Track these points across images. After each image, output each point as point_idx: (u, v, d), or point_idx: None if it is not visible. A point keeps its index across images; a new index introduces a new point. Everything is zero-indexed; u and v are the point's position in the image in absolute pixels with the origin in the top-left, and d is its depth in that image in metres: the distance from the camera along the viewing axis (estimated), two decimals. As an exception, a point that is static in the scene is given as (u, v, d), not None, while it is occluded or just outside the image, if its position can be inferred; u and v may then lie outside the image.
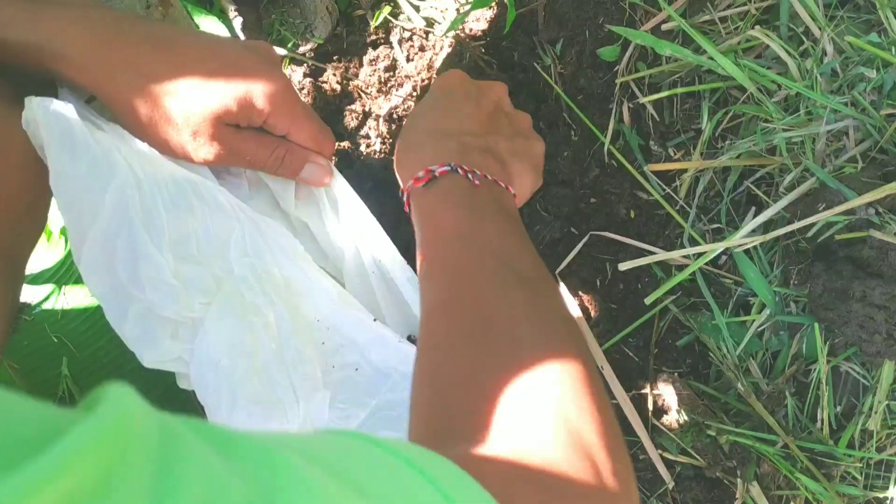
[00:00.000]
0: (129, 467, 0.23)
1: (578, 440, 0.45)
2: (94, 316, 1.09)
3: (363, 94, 1.11)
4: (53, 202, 0.67)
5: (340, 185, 0.75)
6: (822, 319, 0.77)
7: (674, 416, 0.84)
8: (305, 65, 1.14)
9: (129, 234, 0.62)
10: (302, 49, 1.14)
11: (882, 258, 0.73)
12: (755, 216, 0.82)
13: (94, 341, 1.09)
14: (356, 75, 1.13)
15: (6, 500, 0.19)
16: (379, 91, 1.10)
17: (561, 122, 0.98)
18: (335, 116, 1.11)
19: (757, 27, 0.84)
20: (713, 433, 0.80)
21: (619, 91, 0.94)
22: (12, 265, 0.67)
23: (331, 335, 0.71)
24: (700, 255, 0.83)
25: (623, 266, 0.85)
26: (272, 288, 0.69)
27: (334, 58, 1.15)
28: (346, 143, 1.08)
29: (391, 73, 1.11)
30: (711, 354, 0.84)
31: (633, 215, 0.92)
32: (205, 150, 0.66)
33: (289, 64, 1.15)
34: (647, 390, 0.86)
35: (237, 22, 1.14)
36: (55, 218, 1.07)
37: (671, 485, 0.82)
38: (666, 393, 0.85)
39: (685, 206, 0.89)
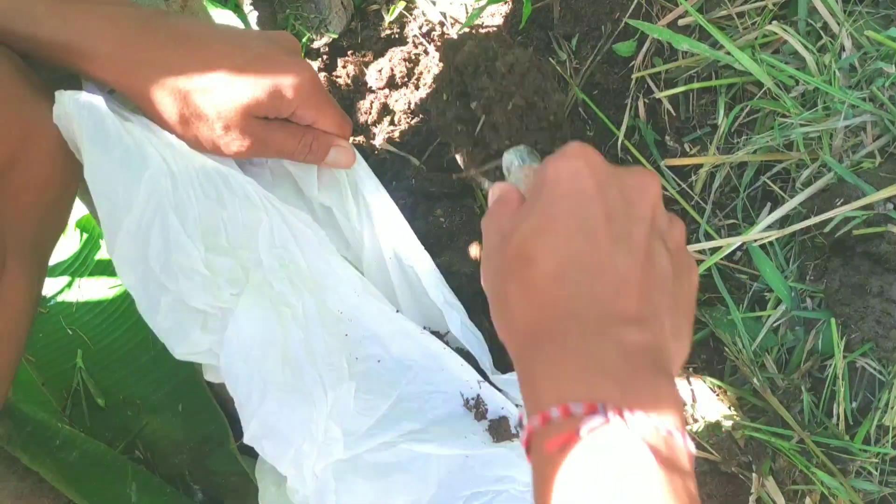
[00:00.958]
0: None
1: None
2: (108, 309, 1.10)
3: (378, 89, 1.11)
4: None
5: (362, 170, 0.76)
6: (838, 315, 0.77)
7: (689, 412, 0.84)
8: (320, 59, 1.15)
9: (162, 224, 0.63)
10: (316, 44, 1.14)
11: (900, 254, 0.73)
12: (771, 212, 0.82)
13: (108, 334, 1.09)
14: (370, 69, 1.13)
15: None
16: (394, 86, 1.10)
17: (576, 117, 0.98)
18: (349, 111, 1.12)
19: (774, 22, 0.84)
20: (728, 428, 0.80)
21: (634, 86, 0.94)
22: (38, 256, 0.68)
23: (353, 327, 0.72)
24: (716, 250, 0.83)
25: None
26: (299, 279, 0.70)
27: (349, 52, 1.15)
28: (360, 138, 1.08)
29: (406, 68, 1.11)
30: (727, 349, 0.83)
31: (648, 210, 0.92)
32: (236, 143, 0.67)
33: (303, 58, 1.16)
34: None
35: (252, 16, 1.15)
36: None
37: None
38: (681, 387, 0.85)
39: (701, 201, 0.89)
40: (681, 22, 0.90)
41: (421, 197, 0.98)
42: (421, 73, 1.11)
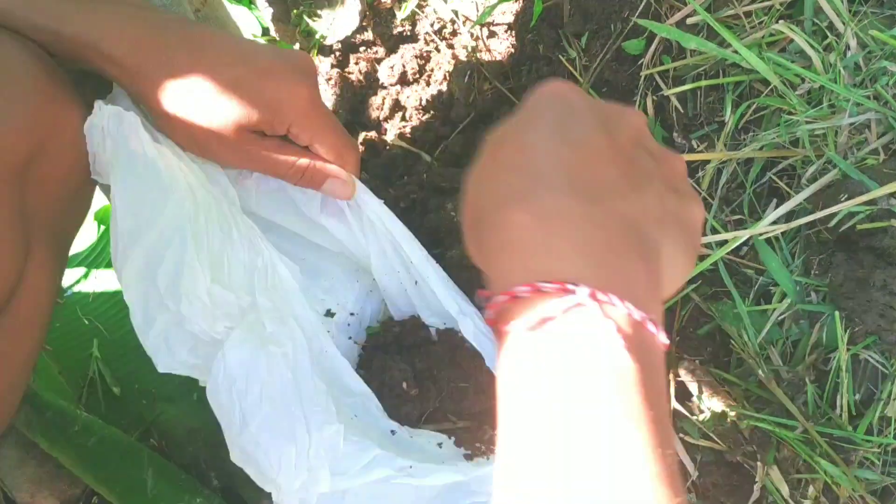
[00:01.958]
0: None
1: None
2: (124, 299, 1.12)
3: (390, 86, 1.13)
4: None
5: (364, 195, 0.77)
6: (842, 308, 0.78)
7: (695, 403, 0.86)
8: (332, 56, 1.16)
9: (179, 246, 0.65)
10: (329, 41, 1.16)
11: (903, 248, 0.75)
12: (777, 207, 0.84)
13: (124, 324, 1.11)
14: (382, 66, 1.15)
15: None
16: (406, 82, 1.12)
17: (585, 114, 1.00)
18: (361, 107, 1.14)
19: (781, 21, 0.86)
20: (734, 418, 0.82)
21: (643, 84, 0.96)
22: (60, 245, 0.70)
23: (336, 375, 0.75)
24: (722, 244, 0.85)
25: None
26: (293, 320, 0.72)
27: (361, 49, 1.17)
28: (372, 133, 1.10)
29: (417, 65, 1.13)
30: (733, 342, 0.85)
31: (655, 206, 0.94)
32: (228, 153, 0.68)
33: (316, 55, 1.18)
34: (668, 377, 0.88)
35: (266, 13, 1.17)
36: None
37: (695, 475, 0.84)
38: (687, 380, 0.86)
39: (708, 197, 0.91)
40: (689, 21, 0.92)
41: (432, 191, 1.00)
42: (432, 70, 1.13)
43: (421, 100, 1.10)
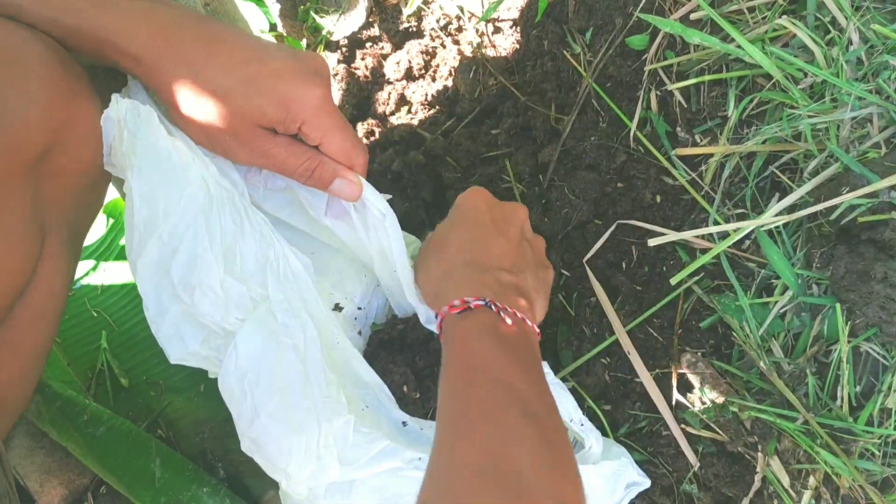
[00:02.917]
0: None
1: None
2: (132, 292, 1.13)
3: (396, 81, 1.14)
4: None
5: (371, 196, 0.77)
6: (843, 300, 0.79)
7: (696, 394, 0.87)
8: (339, 51, 1.17)
9: (193, 239, 0.66)
10: (336, 36, 1.17)
11: (904, 241, 0.75)
12: (779, 201, 0.84)
13: (132, 316, 1.12)
14: (389, 62, 1.15)
15: None
16: (411, 77, 1.13)
17: (589, 109, 1.01)
18: (368, 101, 1.15)
19: (784, 17, 0.87)
20: (735, 409, 0.82)
21: (647, 79, 0.96)
22: (74, 238, 0.71)
23: (347, 366, 0.75)
24: (724, 237, 0.86)
25: (652, 242, 0.88)
26: (304, 312, 0.73)
27: (368, 45, 1.18)
28: (378, 128, 1.11)
29: (423, 61, 1.14)
30: (735, 335, 0.86)
31: (658, 200, 0.95)
32: (240, 149, 0.69)
33: (323, 50, 1.19)
34: (670, 369, 0.89)
35: (274, 9, 1.17)
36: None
37: (697, 465, 0.85)
38: (689, 371, 0.87)
39: (710, 191, 0.92)
40: (693, 16, 0.93)
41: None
42: (438, 65, 1.14)
43: (426, 95, 1.11)
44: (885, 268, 0.76)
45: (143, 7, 0.65)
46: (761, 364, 0.82)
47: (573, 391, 0.90)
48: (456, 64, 1.11)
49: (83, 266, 1.14)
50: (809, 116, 0.83)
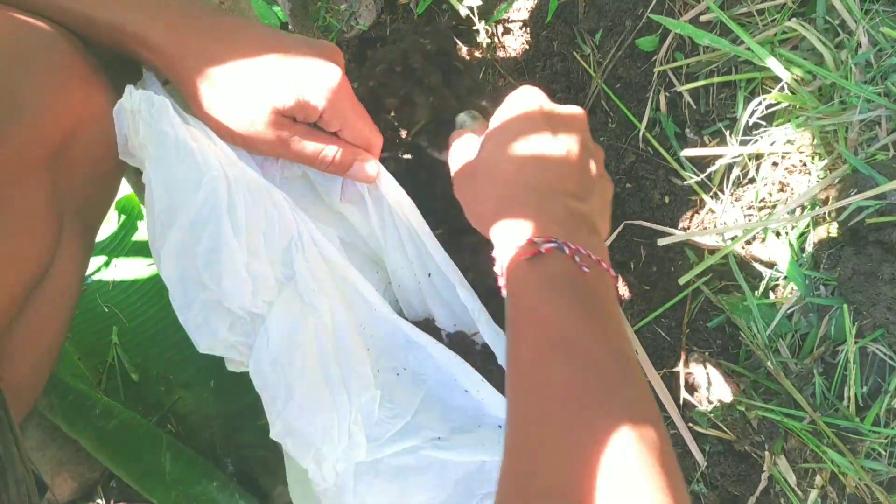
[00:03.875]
0: None
1: None
2: (143, 287, 1.14)
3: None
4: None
5: (385, 180, 0.78)
6: (851, 301, 0.80)
7: (704, 394, 0.87)
8: (350, 51, 1.18)
9: (216, 224, 0.66)
10: (346, 35, 1.18)
11: (911, 242, 0.76)
12: (787, 202, 0.85)
13: (143, 312, 1.13)
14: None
15: None
16: (421, 77, 1.14)
17: (599, 110, 1.01)
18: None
19: (793, 19, 0.87)
20: (742, 408, 0.83)
21: (656, 80, 0.97)
22: (87, 230, 0.71)
23: (374, 342, 0.75)
24: (733, 238, 0.86)
25: (662, 241, 0.88)
26: (330, 291, 0.73)
27: (378, 45, 1.18)
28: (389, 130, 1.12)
29: (433, 60, 1.14)
30: (742, 334, 0.86)
31: (667, 200, 0.95)
32: (259, 139, 0.69)
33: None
34: (678, 368, 0.89)
35: (285, 7, 1.18)
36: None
37: (704, 464, 0.85)
38: (697, 371, 0.88)
39: (718, 191, 0.92)
40: (702, 18, 0.93)
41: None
42: (448, 65, 1.14)
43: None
44: (893, 269, 0.77)
45: (158, 0, 0.66)
46: (768, 364, 0.83)
47: (581, 389, 0.91)
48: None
49: (95, 262, 1.15)
50: (818, 118, 0.83)
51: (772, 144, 0.87)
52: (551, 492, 0.46)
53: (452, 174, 0.75)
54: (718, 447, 0.86)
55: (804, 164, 0.88)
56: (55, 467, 1.00)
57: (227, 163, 0.69)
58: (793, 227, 0.85)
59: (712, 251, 0.89)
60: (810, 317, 0.85)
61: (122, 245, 1.16)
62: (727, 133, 0.92)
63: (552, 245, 0.58)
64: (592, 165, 0.68)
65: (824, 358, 0.83)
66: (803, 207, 0.85)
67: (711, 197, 0.92)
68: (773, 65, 0.85)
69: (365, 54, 1.18)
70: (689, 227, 0.92)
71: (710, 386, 0.87)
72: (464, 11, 1.12)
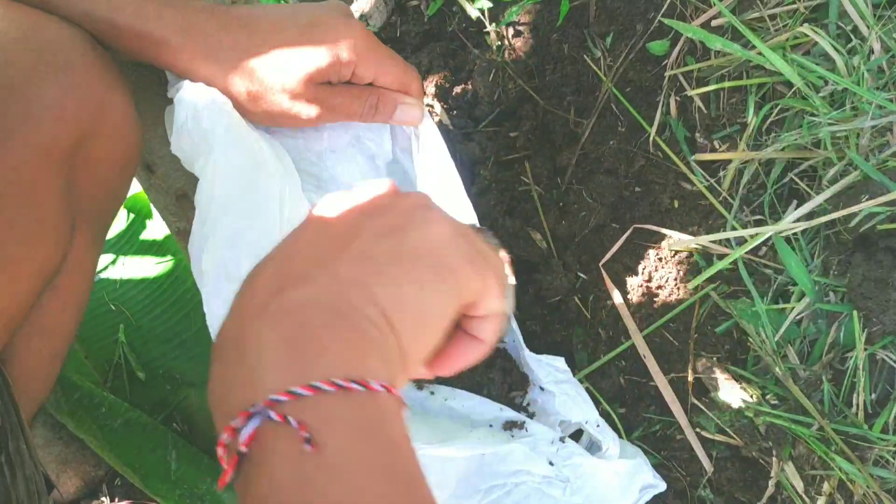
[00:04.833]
0: None
1: None
2: (150, 286, 1.14)
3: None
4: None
5: (428, 128, 0.78)
6: (860, 308, 0.79)
7: (712, 399, 0.87)
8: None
9: (267, 218, 0.67)
10: (357, 37, 1.18)
11: (922, 249, 0.76)
12: (797, 208, 0.85)
13: (150, 310, 1.14)
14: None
15: None
16: (431, 79, 1.14)
17: (609, 114, 1.01)
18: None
19: (805, 24, 0.87)
20: (750, 414, 0.83)
21: (667, 84, 0.97)
22: (99, 228, 0.72)
23: None
24: (742, 243, 0.86)
25: (673, 246, 0.88)
26: None
27: (388, 45, 1.18)
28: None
29: (443, 62, 1.14)
30: (750, 340, 0.86)
31: (676, 205, 0.95)
32: (305, 111, 0.70)
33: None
34: (686, 373, 0.89)
35: (296, 9, 1.18)
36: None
37: (711, 470, 0.85)
38: (705, 376, 0.87)
39: (728, 197, 0.92)
40: (714, 22, 0.93)
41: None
42: (457, 68, 1.14)
43: (446, 97, 1.12)
44: (904, 276, 0.76)
45: (176, 2, 0.67)
46: (777, 370, 0.83)
47: (588, 393, 0.90)
48: (475, 67, 1.11)
49: (103, 260, 1.15)
50: (829, 124, 0.83)
51: (782, 150, 0.87)
52: None
53: None
54: (726, 453, 0.86)
55: (814, 170, 0.87)
56: (60, 465, 1.00)
57: (277, 159, 0.70)
58: (803, 233, 0.85)
59: (721, 256, 0.89)
60: (819, 323, 0.84)
61: (131, 243, 1.16)
62: (738, 138, 0.92)
63: (253, 425, 0.36)
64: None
65: (833, 364, 0.83)
66: (813, 213, 0.84)
67: (721, 202, 0.92)
68: (785, 70, 0.85)
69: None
70: (698, 232, 0.92)
71: (718, 391, 0.87)
72: (474, 14, 1.12)
